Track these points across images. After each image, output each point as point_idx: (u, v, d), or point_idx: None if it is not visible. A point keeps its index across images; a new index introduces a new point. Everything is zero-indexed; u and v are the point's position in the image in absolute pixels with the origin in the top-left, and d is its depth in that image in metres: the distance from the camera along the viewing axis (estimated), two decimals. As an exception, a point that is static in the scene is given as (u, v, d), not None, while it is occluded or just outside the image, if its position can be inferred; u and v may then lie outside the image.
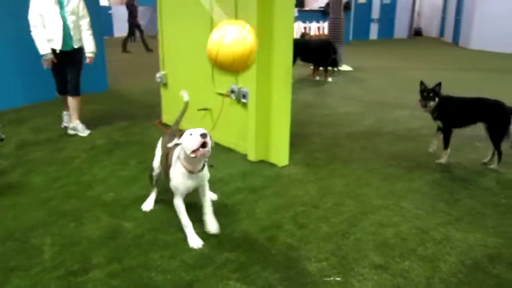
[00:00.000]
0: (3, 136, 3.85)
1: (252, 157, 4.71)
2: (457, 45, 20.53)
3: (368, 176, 4.35)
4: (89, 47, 5.51)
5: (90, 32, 5.49)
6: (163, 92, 6.19)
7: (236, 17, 4.43)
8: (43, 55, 5.16)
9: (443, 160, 4.69)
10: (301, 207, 3.68)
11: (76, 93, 5.56)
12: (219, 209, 3.57)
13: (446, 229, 3.32)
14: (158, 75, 6.06)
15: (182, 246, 3.03)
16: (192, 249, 2.99)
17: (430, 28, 26.45)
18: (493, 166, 4.58)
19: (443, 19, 24.33)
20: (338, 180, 4.24)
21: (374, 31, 24.69)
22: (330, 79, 10.14)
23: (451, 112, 4.54)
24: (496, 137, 4.47)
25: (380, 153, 5.08)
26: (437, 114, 4.58)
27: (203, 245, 3.03)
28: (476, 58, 15.76)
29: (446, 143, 4.65)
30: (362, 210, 3.62)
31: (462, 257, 2.95)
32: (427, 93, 4.51)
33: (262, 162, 4.63)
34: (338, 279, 2.70)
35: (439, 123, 4.64)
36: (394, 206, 3.71)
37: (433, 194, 3.96)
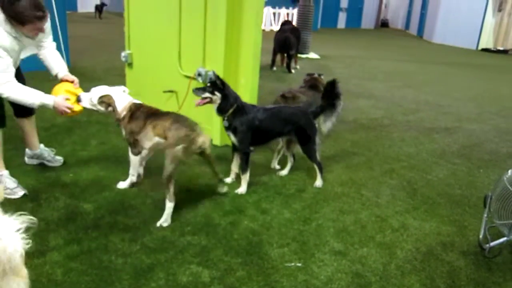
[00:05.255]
0: None
1: (217, 141, 4.69)
2: (421, 38, 21.03)
3: (330, 164, 4.42)
4: None
5: None
6: (127, 71, 6.03)
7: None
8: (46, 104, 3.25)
9: (242, 189, 3.63)
10: (264, 192, 3.70)
11: None
12: (182, 193, 3.55)
13: (403, 217, 3.43)
14: (123, 54, 5.88)
15: (143, 230, 3.00)
16: (153, 233, 2.97)
17: (396, 20, 26.98)
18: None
19: (409, 12, 24.86)
20: (301, 167, 4.28)
21: (342, 20, 24.93)
22: (298, 66, 10.18)
23: (249, 125, 3.52)
24: (311, 150, 3.79)
25: (342, 141, 5.16)
26: (229, 123, 3.55)
27: (167, 226, 3.02)
28: (438, 52, 16.20)
29: (245, 165, 3.63)
30: (323, 197, 3.69)
31: (418, 244, 3.06)
32: (210, 84, 3.55)
33: (227, 146, 4.61)
34: (299, 264, 2.74)
35: (232, 137, 3.60)
36: (355, 193, 3.80)
37: (392, 183, 4.07)
